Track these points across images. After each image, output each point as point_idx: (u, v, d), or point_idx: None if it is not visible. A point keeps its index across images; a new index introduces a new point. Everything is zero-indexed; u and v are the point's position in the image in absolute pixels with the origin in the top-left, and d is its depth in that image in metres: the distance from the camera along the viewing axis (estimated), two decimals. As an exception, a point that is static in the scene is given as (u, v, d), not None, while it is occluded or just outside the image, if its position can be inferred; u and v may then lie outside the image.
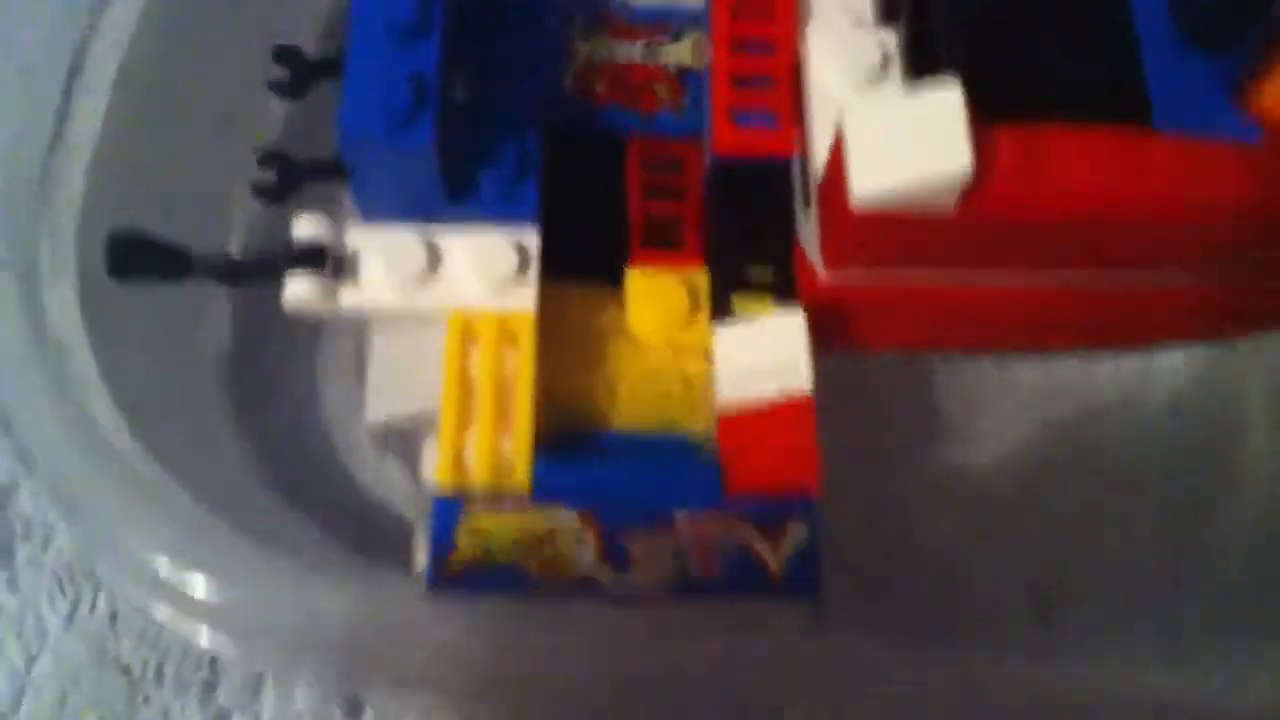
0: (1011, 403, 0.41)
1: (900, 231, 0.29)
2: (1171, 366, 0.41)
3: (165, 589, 0.29)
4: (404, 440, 0.35)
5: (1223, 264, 0.33)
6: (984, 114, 0.28)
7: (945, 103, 0.28)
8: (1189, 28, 0.32)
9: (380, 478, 0.38)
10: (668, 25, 0.38)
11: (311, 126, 0.36)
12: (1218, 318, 0.36)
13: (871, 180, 0.28)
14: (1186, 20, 0.33)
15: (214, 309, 0.39)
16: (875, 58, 0.33)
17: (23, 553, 0.39)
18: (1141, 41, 0.33)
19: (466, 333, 0.32)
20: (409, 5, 0.31)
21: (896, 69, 0.33)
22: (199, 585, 0.29)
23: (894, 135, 0.28)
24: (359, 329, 0.34)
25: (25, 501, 0.39)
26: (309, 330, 0.39)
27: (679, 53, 0.38)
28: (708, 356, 0.33)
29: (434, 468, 0.31)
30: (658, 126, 0.37)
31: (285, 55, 0.35)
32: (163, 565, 0.29)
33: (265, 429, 0.38)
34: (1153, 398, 0.41)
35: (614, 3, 0.39)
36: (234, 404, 0.38)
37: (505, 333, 0.32)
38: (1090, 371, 0.41)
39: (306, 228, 0.33)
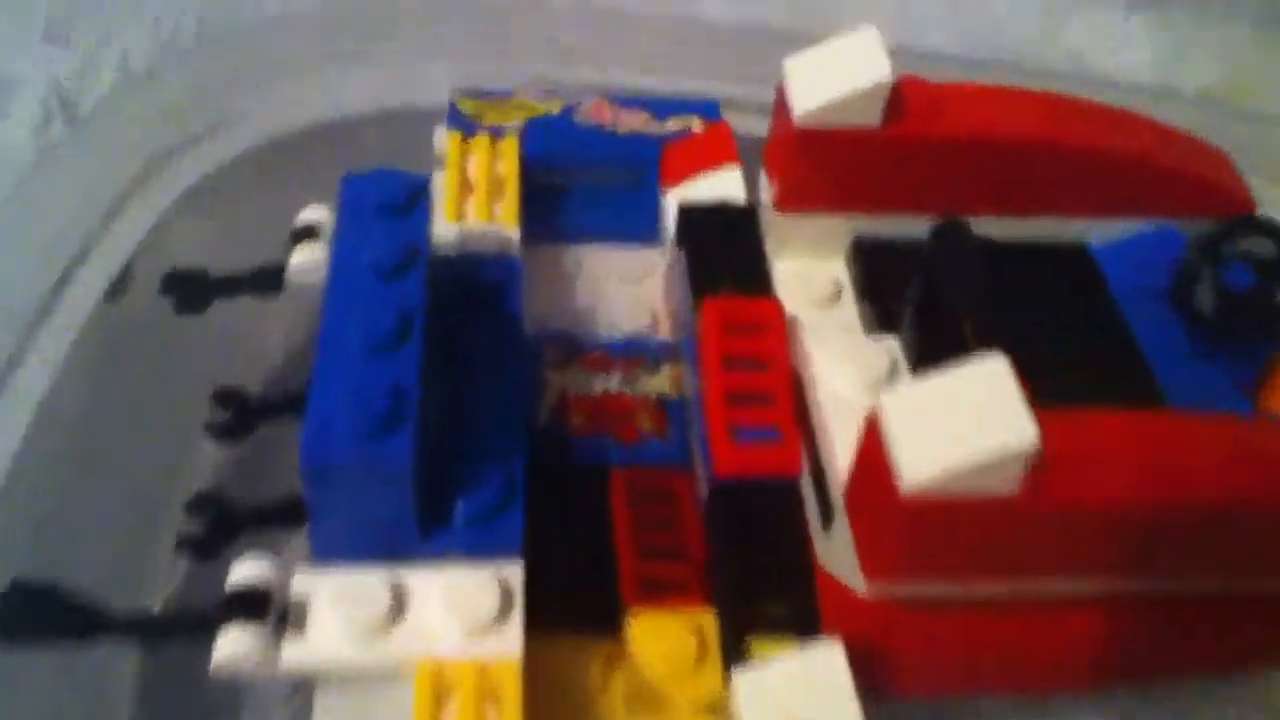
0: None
1: (957, 523, 0.25)
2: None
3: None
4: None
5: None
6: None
7: (994, 375, 0.25)
8: (1195, 322, 0.32)
9: None
10: (644, 357, 0.36)
11: (253, 473, 0.32)
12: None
13: (925, 462, 0.24)
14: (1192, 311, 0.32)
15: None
16: (884, 363, 0.31)
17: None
18: (1146, 344, 0.32)
19: (439, 687, 0.26)
20: (390, 315, 0.28)
21: (904, 374, 0.31)
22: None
23: (942, 414, 0.24)
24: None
25: None
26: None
27: (658, 383, 0.36)
28: (719, 710, 0.28)
29: None
30: (643, 456, 0.34)
31: (226, 397, 0.31)
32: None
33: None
34: None
35: (585, 338, 0.36)
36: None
37: (486, 686, 0.26)
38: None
39: (245, 571, 0.27)
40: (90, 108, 0.44)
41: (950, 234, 0.30)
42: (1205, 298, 0.32)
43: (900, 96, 0.33)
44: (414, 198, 0.31)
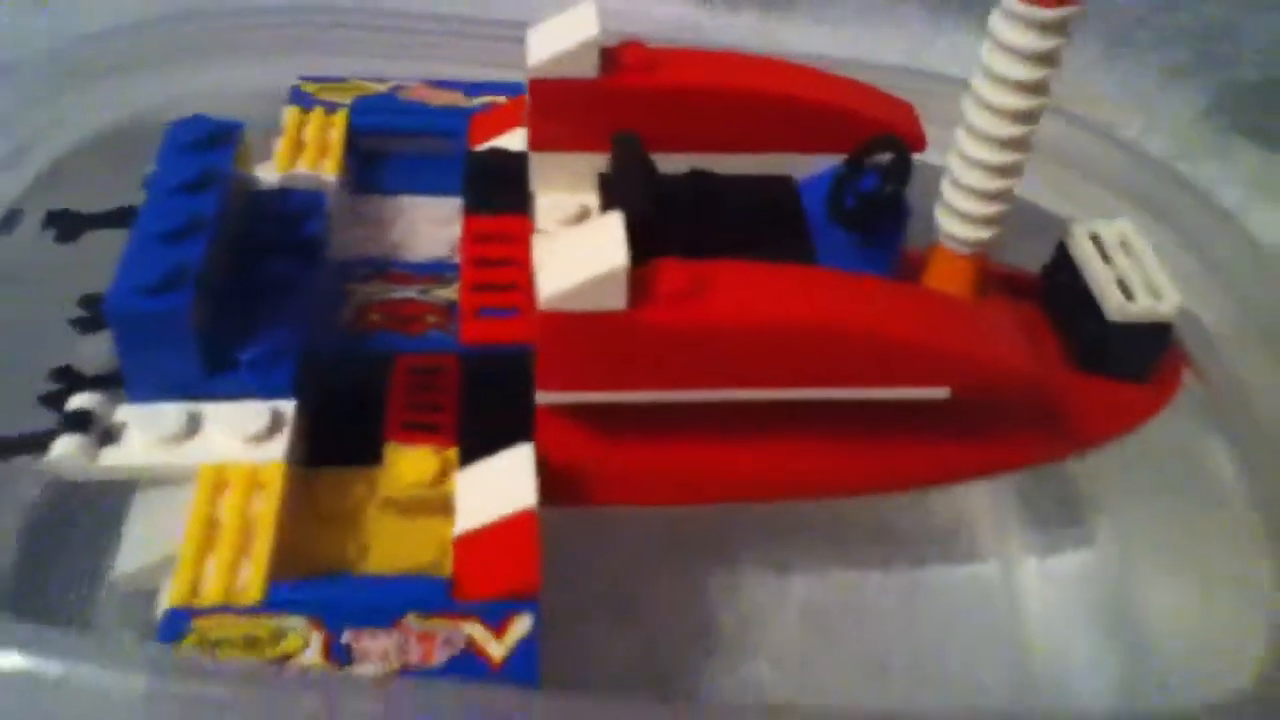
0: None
1: (584, 333, 0.33)
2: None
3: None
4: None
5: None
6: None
7: (609, 225, 0.33)
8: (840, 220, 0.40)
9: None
10: (441, 275, 0.44)
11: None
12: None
13: (554, 284, 0.32)
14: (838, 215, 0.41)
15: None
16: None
17: None
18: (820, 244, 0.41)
19: (218, 482, 0.35)
20: (183, 215, 0.37)
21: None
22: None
23: (573, 254, 0.33)
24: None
25: None
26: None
27: (448, 294, 0.44)
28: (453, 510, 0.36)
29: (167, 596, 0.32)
30: (426, 344, 0.42)
31: (89, 300, 0.40)
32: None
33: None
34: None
35: (394, 262, 0.45)
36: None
37: (255, 481, 0.35)
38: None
39: (76, 401, 0.36)
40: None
41: (623, 143, 0.39)
42: (847, 199, 0.41)
43: (619, 55, 0.42)
44: (221, 135, 0.40)
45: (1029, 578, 0.45)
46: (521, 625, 0.31)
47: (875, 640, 0.43)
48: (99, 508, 0.42)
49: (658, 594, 0.42)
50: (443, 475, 0.37)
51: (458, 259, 0.45)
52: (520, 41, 0.47)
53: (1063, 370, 0.42)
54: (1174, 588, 0.44)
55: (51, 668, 0.29)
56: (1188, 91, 0.73)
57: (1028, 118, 0.38)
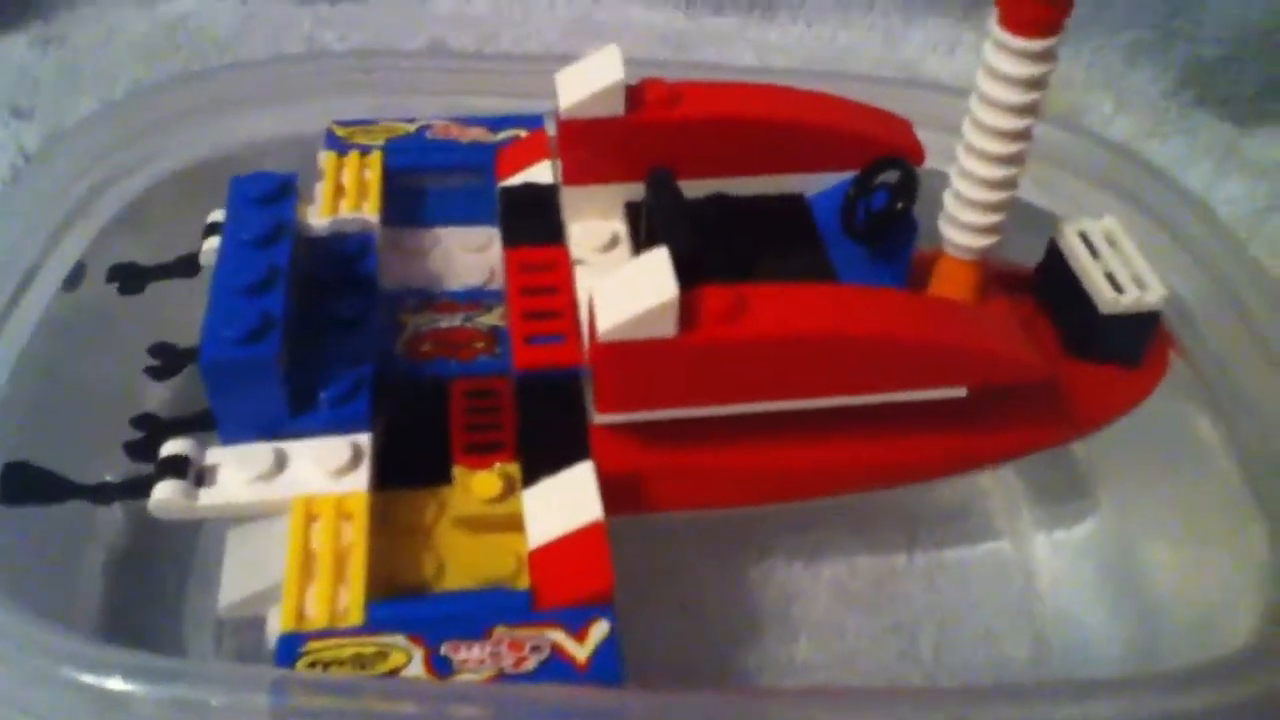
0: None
1: (640, 358, 0.36)
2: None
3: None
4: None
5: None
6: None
7: (657, 260, 0.37)
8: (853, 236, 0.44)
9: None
10: (481, 302, 0.48)
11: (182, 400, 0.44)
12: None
13: (609, 317, 0.36)
14: (851, 231, 0.44)
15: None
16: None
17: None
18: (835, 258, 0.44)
19: (309, 514, 0.38)
20: (260, 269, 0.40)
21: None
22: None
23: (625, 289, 0.36)
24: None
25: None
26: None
27: (491, 319, 0.47)
28: (520, 526, 0.39)
29: (278, 623, 0.35)
30: (476, 369, 0.45)
31: (160, 349, 0.43)
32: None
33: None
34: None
35: (437, 291, 0.48)
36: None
37: (342, 511, 0.38)
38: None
39: (171, 447, 0.39)
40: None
41: (658, 180, 0.42)
42: (859, 217, 0.45)
43: (642, 92, 0.45)
44: (283, 189, 0.43)
45: (1040, 551, 0.49)
46: (601, 628, 0.35)
47: (902, 616, 0.47)
48: (175, 543, 0.46)
49: (705, 587, 0.46)
50: (507, 492, 0.40)
51: (495, 285, 0.49)
52: (534, 73, 0.51)
53: (1061, 360, 0.46)
54: (1173, 553, 0.48)
55: (195, 694, 0.32)
56: (1154, 70, 0.77)
57: (1020, 136, 0.42)
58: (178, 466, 0.38)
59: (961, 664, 0.46)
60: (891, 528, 0.49)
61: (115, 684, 0.32)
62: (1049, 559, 0.49)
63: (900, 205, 0.44)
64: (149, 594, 0.45)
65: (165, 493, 0.38)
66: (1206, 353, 0.49)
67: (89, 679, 0.32)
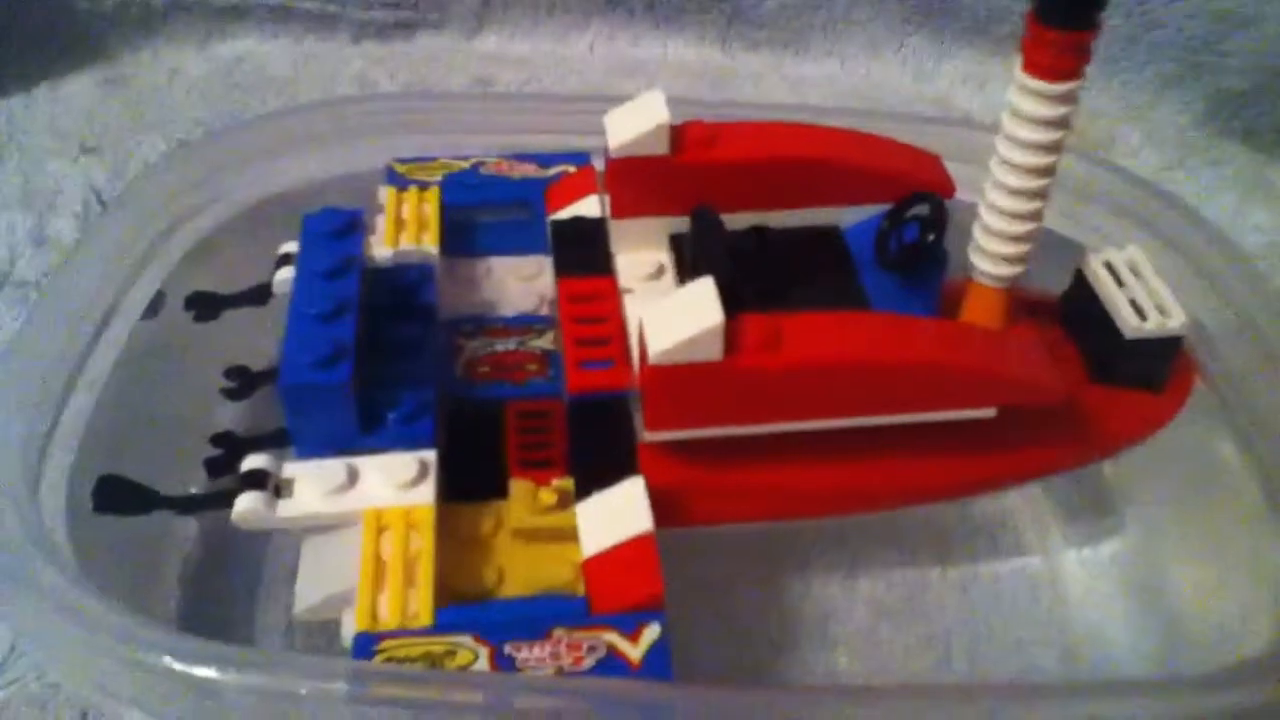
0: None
1: (689, 380, 0.39)
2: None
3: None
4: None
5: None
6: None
7: (704, 288, 0.39)
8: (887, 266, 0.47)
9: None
10: (533, 327, 0.51)
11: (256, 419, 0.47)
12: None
13: (660, 341, 0.38)
14: (885, 262, 0.47)
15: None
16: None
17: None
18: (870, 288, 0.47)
19: (379, 525, 0.41)
20: (332, 300, 0.43)
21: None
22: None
23: (674, 315, 0.39)
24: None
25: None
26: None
27: (543, 343, 0.50)
28: (573, 537, 0.42)
29: (353, 624, 0.38)
30: (530, 391, 0.48)
31: (235, 371, 0.46)
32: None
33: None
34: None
35: (492, 317, 0.51)
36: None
37: (409, 522, 0.41)
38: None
39: (251, 462, 0.42)
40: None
41: (702, 216, 0.45)
42: (892, 248, 0.47)
43: (685, 133, 0.48)
44: (351, 225, 0.47)
45: (1069, 566, 0.51)
46: (652, 632, 0.37)
47: (936, 628, 0.49)
48: (245, 555, 0.49)
49: (745, 599, 0.49)
50: (560, 505, 0.43)
51: (545, 311, 0.51)
52: (581, 112, 0.54)
53: (1087, 385, 0.48)
54: (1196, 569, 0.50)
55: (281, 683, 0.35)
56: (1180, 102, 0.79)
57: (1045, 172, 0.44)
58: (259, 480, 0.41)
59: (993, 673, 0.48)
60: (925, 543, 0.51)
61: (209, 672, 0.35)
62: (1077, 574, 0.51)
63: (930, 237, 0.46)
64: (221, 601, 0.48)
65: (247, 504, 0.41)
66: (1228, 377, 0.52)
67: (186, 669, 0.35)
